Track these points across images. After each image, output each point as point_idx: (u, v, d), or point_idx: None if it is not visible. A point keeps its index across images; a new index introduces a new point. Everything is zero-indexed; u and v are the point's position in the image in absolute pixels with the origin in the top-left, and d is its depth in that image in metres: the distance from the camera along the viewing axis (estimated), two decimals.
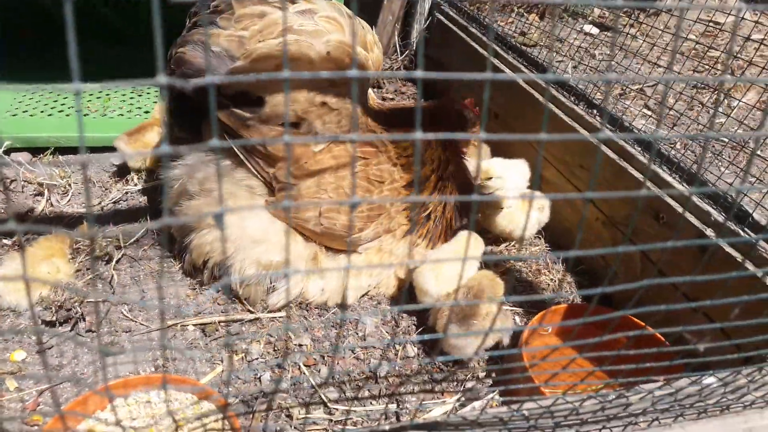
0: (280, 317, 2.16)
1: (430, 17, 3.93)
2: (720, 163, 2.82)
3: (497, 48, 3.14)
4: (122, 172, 2.88)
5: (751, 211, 1.87)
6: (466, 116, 2.45)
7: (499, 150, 2.91)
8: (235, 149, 2.08)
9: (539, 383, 1.73)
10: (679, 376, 1.39)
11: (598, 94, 2.63)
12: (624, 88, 3.53)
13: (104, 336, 2.04)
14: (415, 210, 2.31)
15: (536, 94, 2.74)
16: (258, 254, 2.08)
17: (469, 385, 1.96)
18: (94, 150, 2.96)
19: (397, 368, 2.00)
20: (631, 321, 1.96)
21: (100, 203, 2.69)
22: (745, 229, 1.86)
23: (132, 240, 2.44)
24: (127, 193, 2.77)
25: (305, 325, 2.13)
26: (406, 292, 2.28)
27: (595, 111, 2.54)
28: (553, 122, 2.60)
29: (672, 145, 2.98)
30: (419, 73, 0.73)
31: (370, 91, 2.48)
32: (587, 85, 2.64)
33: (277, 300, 2.15)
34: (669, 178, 2.11)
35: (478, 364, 2.04)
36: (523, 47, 3.16)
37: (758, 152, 2.94)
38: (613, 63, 3.23)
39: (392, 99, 3.77)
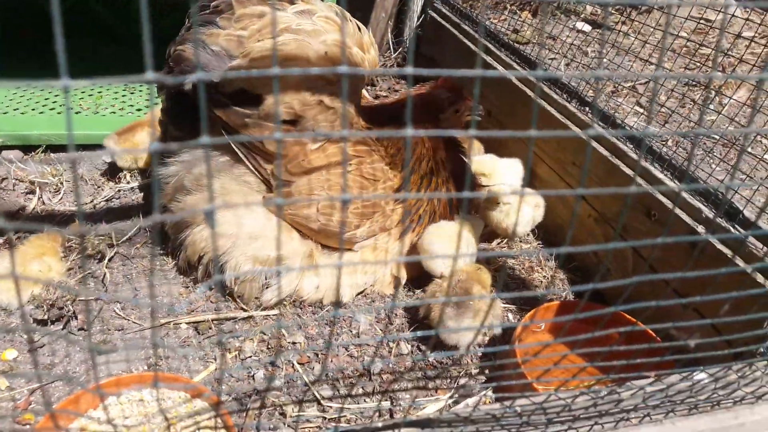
0: (273, 315, 2.16)
1: (423, 14, 3.93)
2: (711, 161, 2.83)
3: (490, 45, 3.15)
4: (114, 170, 2.87)
5: (741, 208, 1.88)
6: (441, 97, 2.42)
7: (492, 148, 2.91)
8: (234, 146, 2.08)
9: (532, 380, 1.74)
10: (670, 372, 1.40)
11: (591, 91, 2.64)
12: (616, 85, 3.54)
13: (96, 334, 2.03)
14: (410, 211, 2.31)
15: (529, 92, 2.75)
16: (254, 250, 2.08)
17: (462, 382, 1.97)
18: (86, 148, 2.94)
19: (390, 365, 2.01)
20: (622, 317, 1.97)
21: (92, 201, 2.68)
22: (736, 225, 1.87)
23: (124, 238, 2.43)
24: (119, 191, 2.76)
25: (299, 323, 2.13)
26: (406, 286, 2.28)
27: (587, 108, 2.55)
28: (545, 119, 2.60)
29: (663, 143, 3.00)
30: (410, 70, 0.73)
31: (363, 91, 2.48)
32: (579, 82, 2.65)
33: (270, 296, 2.15)
34: (660, 175, 2.12)
35: (471, 360, 2.05)
36: (516, 45, 3.16)
37: (749, 149, 2.96)
38: (604, 60, 3.23)
39: (386, 96, 3.77)
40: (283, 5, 2.08)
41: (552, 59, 3.75)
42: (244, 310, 2.16)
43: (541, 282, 2.41)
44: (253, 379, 1.92)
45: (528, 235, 2.65)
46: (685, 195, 2.01)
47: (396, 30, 4.09)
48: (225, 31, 2.01)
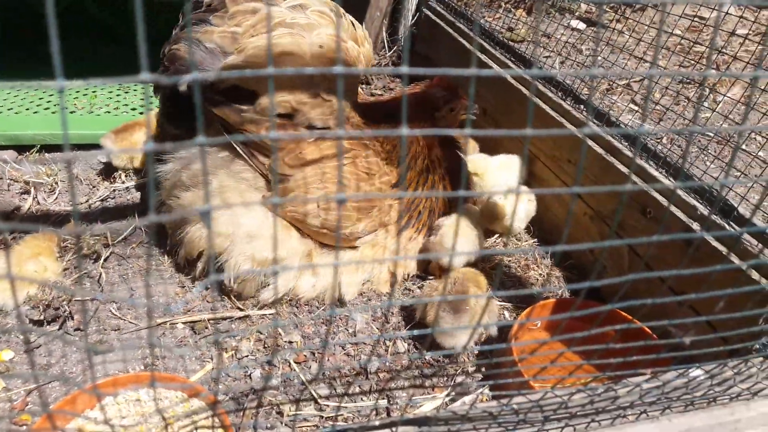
0: (269, 314, 2.16)
1: (417, 13, 3.93)
2: (706, 158, 2.84)
3: (485, 44, 3.15)
4: (110, 170, 2.86)
5: (736, 205, 1.89)
6: (436, 95, 2.42)
7: (488, 146, 2.91)
8: (232, 141, 2.07)
9: (528, 377, 1.74)
10: (667, 369, 1.41)
11: (585, 89, 2.64)
12: (611, 83, 3.55)
13: (93, 334, 2.03)
14: (408, 207, 2.31)
15: (524, 90, 2.75)
16: (253, 249, 2.07)
17: (458, 380, 1.97)
18: (80, 147, 2.94)
19: (387, 364, 2.01)
20: (619, 315, 1.98)
21: (87, 201, 2.67)
22: (731, 222, 1.87)
23: (120, 238, 2.42)
24: (114, 191, 2.76)
25: (295, 322, 2.13)
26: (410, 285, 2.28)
27: (582, 106, 2.55)
28: (541, 118, 2.61)
29: (658, 140, 3.00)
30: (405, 69, 0.73)
31: (359, 88, 2.48)
32: (574, 80, 2.65)
33: (268, 296, 2.15)
34: (655, 173, 2.13)
35: (468, 359, 2.05)
36: (511, 43, 3.17)
37: (743, 146, 2.97)
38: (598, 58, 3.24)
39: (381, 95, 3.77)
40: (276, 1, 2.08)
41: (546, 57, 3.76)
42: (241, 310, 2.16)
43: (537, 280, 2.41)
44: (250, 378, 1.92)
45: (524, 233, 2.66)
46: (680, 192, 2.02)
47: (391, 28, 4.08)
48: (219, 29, 2.01)
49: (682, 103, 3.40)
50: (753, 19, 2.50)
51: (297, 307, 2.20)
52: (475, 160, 2.72)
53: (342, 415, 1.82)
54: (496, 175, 2.66)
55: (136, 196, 2.75)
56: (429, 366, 2.02)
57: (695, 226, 1.93)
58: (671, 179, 2.11)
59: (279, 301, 2.16)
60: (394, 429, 1.27)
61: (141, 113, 3.20)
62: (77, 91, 3.35)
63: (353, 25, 2.22)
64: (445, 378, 1.98)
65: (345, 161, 2.15)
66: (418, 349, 2.08)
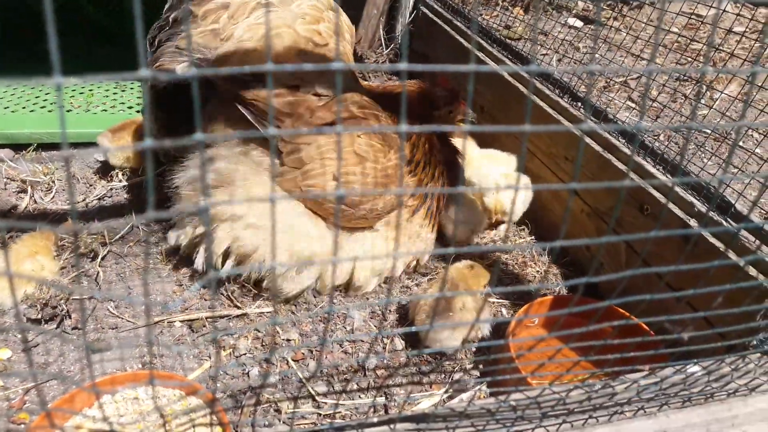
0: (267, 312, 2.16)
1: (414, 11, 3.92)
2: (703, 155, 2.84)
3: (482, 42, 3.15)
4: (106, 168, 2.85)
5: (733, 202, 1.90)
6: (438, 94, 2.42)
7: (486, 143, 2.92)
8: (244, 112, 2.03)
9: (526, 374, 1.74)
10: (664, 366, 1.41)
11: (583, 86, 2.65)
12: (608, 80, 3.55)
13: (90, 333, 2.03)
14: (418, 187, 2.30)
15: (521, 87, 2.75)
16: (288, 245, 2.05)
17: (456, 377, 1.97)
18: (77, 146, 2.93)
19: (385, 361, 2.01)
20: (616, 311, 1.98)
21: (84, 200, 2.67)
22: (728, 219, 1.88)
23: (117, 237, 2.42)
24: (111, 189, 2.75)
25: (293, 320, 2.13)
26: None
27: (579, 103, 2.56)
28: (538, 115, 2.61)
29: (656, 137, 3.01)
30: (403, 66, 0.73)
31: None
32: (571, 77, 2.66)
33: (293, 288, 2.13)
34: (653, 170, 2.13)
35: (465, 356, 2.05)
36: (508, 41, 3.17)
37: (740, 143, 2.97)
38: (596, 55, 3.24)
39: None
40: None
41: (544, 55, 3.76)
42: (238, 308, 2.16)
43: (535, 277, 2.41)
44: (248, 376, 1.92)
45: (521, 230, 2.66)
46: (677, 189, 2.02)
47: (388, 26, 4.08)
48: (197, 30, 2.01)
49: (679, 100, 3.40)
50: (750, 17, 2.50)
51: (295, 305, 2.20)
52: (473, 155, 2.73)
53: (340, 412, 1.82)
54: (478, 164, 2.67)
55: (133, 194, 2.75)
56: (426, 363, 2.02)
57: (692, 222, 1.93)
58: (668, 176, 2.11)
59: (302, 293, 2.14)
60: (392, 426, 1.27)
61: (138, 111, 3.19)
62: (73, 90, 3.34)
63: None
64: (443, 375, 1.98)
65: (357, 133, 2.12)
66: (415, 346, 2.09)
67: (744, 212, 1.86)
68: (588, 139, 2.36)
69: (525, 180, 2.61)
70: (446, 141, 2.48)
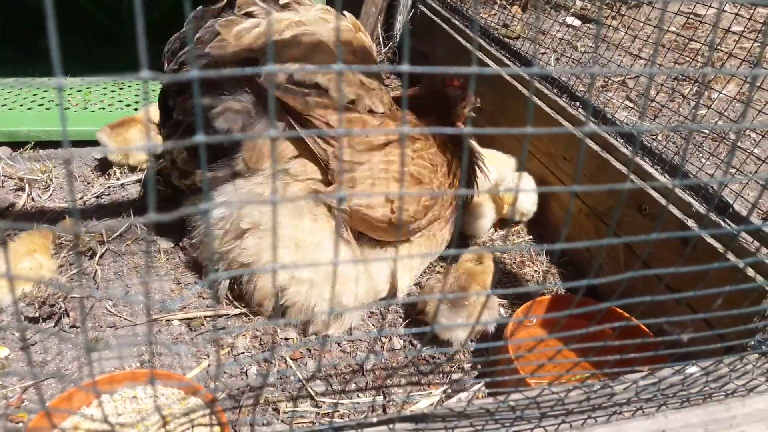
0: (266, 311, 2.16)
1: (413, 9, 3.92)
2: (701, 155, 2.85)
3: (481, 41, 3.15)
4: (104, 166, 2.85)
5: (731, 202, 1.90)
6: (452, 95, 2.44)
7: (485, 144, 2.92)
8: (294, 125, 1.97)
9: (525, 375, 1.75)
10: (663, 366, 1.41)
11: (581, 86, 2.65)
12: (606, 80, 3.55)
13: (88, 331, 2.03)
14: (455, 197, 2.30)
15: (520, 87, 2.75)
16: (327, 291, 2.04)
17: (455, 377, 1.97)
18: (75, 144, 2.93)
19: (383, 361, 2.01)
20: (616, 312, 1.98)
21: (82, 198, 2.66)
22: (726, 219, 1.88)
23: (115, 235, 2.42)
24: (109, 187, 2.75)
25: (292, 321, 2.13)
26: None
27: (577, 103, 2.56)
28: (536, 114, 2.61)
29: (654, 137, 3.01)
30: (405, 68, 0.73)
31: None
32: (569, 77, 2.66)
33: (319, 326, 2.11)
34: (651, 170, 2.13)
35: (464, 355, 2.05)
36: (506, 39, 3.17)
37: (738, 143, 2.98)
38: (594, 55, 3.24)
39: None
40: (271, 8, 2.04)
41: (542, 54, 3.76)
42: (236, 307, 2.15)
43: (533, 276, 2.41)
44: (246, 375, 1.92)
45: (520, 229, 2.66)
46: (675, 189, 2.02)
47: (386, 25, 4.08)
48: (232, 51, 1.97)
49: (677, 100, 3.41)
50: (748, 17, 2.50)
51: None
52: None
53: (338, 411, 1.82)
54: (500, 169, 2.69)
55: (131, 192, 2.75)
56: (425, 362, 2.03)
57: (690, 222, 1.93)
58: (667, 176, 2.11)
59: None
60: (391, 426, 1.27)
61: (136, 110, 3.19)
62: (71, 88, 3.33)
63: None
64: (442, 375, 1.98)
65: (413, 154, 2.11)
66: (413, 345, 2.09)
67: (742, 213, 1.86)
68: (587, 139, 2.36)
69: (531, 181, 2.61)
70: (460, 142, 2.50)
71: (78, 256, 2.30)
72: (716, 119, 3.08)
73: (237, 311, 2.14)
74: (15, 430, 1.66)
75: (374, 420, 1.27)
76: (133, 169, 2.85)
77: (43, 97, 3.17)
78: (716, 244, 1.83)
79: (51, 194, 2.67)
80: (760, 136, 3.04)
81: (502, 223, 2.66)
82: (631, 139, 2.27)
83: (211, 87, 1.97)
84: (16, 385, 1.81)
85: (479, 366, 2.02)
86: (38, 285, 2.03)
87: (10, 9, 3.78)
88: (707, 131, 3.01)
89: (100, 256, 2.32)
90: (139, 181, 2.80)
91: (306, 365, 1.97)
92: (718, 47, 2.74)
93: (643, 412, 1.35)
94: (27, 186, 2.67)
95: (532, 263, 2.47)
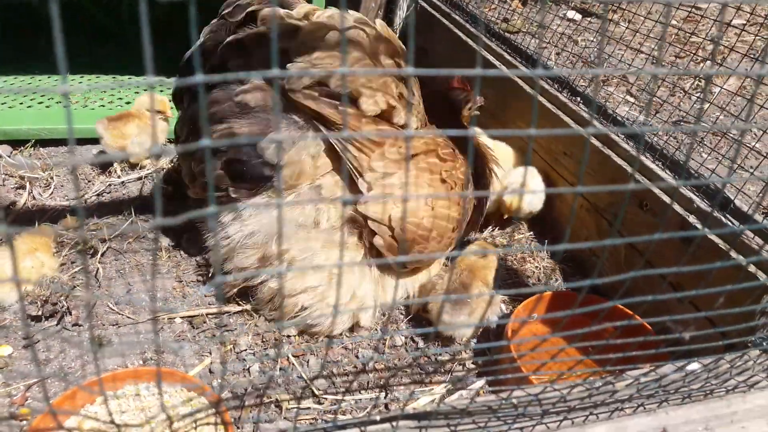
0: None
1: (413, 4, 3.91)
2: (702, 149, 2.85)
3: (481, 35, 3.14)
4: (105, 164, 2.85)
5: (732, 198, 1.90)
6: (456, 98, 2.44)
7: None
8: (332, 141, 1.92)
9: (527, 372, 1.75)
10: (664, 363, 1.42)
11: (582, 81, 2.64)
12: (607, 74, 3.55)
13: (90, 330, 2.03)
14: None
15: (521, 83, 2.75)
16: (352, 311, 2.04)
17: (457, 374, 1.98)
18: (76, 141, 2.93)
19: (385, 357, 2.02)
20: (618, 310, 1.98)
21: (83, 196, 2.66)
22: (727, 215, 1.88)
23: (116, 233, 2.42)
24: (110, 185, 2.75)
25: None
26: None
27: (578, 99, 2.55)
28: (537, 110, 2.61)
29: (654, 133, 3.01)
30: (411, 70, 0.73)
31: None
32: (569, 70, 2.65)
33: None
34: (652, 165, 2.13)
35: (466, 353, 2.06)
36: (507, 34, 3.16)
37: (738, 137, 2.98)
38: (595, 49, 3.24)
39: None
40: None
41: (542, 48, 3.75)
42: (239, 304, 2.16)
43: (534, 273, 2.42)
44: (249, 372, 1.93)
45: (521, 225, 2.67)
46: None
47: (386, 20, 4.07)
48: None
49: (678, 94, 3.40)
50: (750, 11, 2.50)
51: None
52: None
53: (341, 408, 1.83)
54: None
55: (132, 190, 2.75)
56: (427, 359, 2.03)
57: (692, 219, 1.93)
58: (668, 171, 2.11)
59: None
60: (394, 424, 1.28)
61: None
62: (71, 85, 3.33)
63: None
64: (444, 373, 1.99)
65: (444, 174, 2.08)
66: (415, 342, 2.09)
67: (743, 208, 1.86)
68: (591, 137, 2.36)
69: (538, 177, 2.60)
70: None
71: (83, 255, 2.30)
72: (717, 114, 3.08)
73: (239, 308, 2.14)
74: (19, 428, 1.67)
75: (378, 418, 1.28)
76: (133, 166, 2.85)
77: (43, 95, 3.17)
78: (718, 240, 1.83)
79: (52, 192, 2.67)
80: (762, 131, 3.04)
81: (506, 221, 2.66)
82: (633, 136, 2.27)
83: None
84: (20, 382, 1.82)
85: (480, 362, 2.02)
86: (40, 283, 2.03)
87: (10, 8, 3.77)
88: (708, 126, 3.01)
89: (102, 255, 2.32)
90: (140, 178, 2.80)
91: (308, 362, 1.97)
92: (719, 42, 2.73)
93: (645, 408, 1.35)
94: (28, 184, 2.67)
95: (534, 259, 2.47)
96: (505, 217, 2.63)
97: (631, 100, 3.36)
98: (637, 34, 2.63)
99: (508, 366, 1.85)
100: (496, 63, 2.96)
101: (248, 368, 1.94)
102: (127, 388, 1.74)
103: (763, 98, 3.25)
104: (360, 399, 1.87)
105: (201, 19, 0.64)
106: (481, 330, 2.12)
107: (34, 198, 2.63)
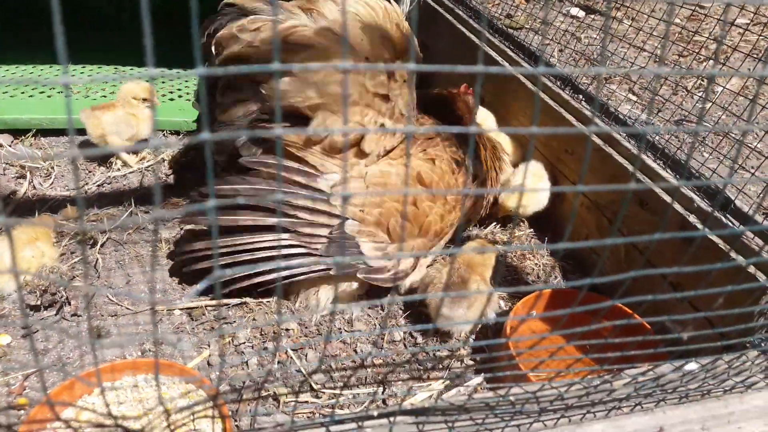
0: (266, 301, 2.16)
1: None
2: (703, 149, 2.84)
3: (484, 31, 3.13)
4: (106, 155, 2.85)
5: (733, 198, 1.90)
6: (464, 105, 2.47)
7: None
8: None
9: (525, 370, 1.75)
10: (662, 363, 1.42)
11: (584, 78, 2.64)
12: (610, 74, 3.54)
13: (89, 320, 2.03)
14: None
15: (523, 79, 2.74)
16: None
17: (455, 370, 1.98)
18: (77, 132, 2.92)
19: (383, 352, 2.02)
20: (617, 309, 1.98)
21: (83, 186, 2.66)
22: (728, 215, 1.88)
23: (116, 224, 2.42)
24: (110, 176, 2.75)
25: (292, 309, 2.13)
26: None
27: (581, 96, 2.55)
28: (540, 107, 2.60)
29: (656, 131, 3.00)
30: (413, 66, 0.73)
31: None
32: (572, 69, 2.65)
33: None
34: (653, 164, 2.13)
35: (464, 349, 2.06)
36: (510, 30, 3.15)
37: (739, 137, 2.97)
38: (597, 46, 3.23)
39: None
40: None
41: (545, 45, 3.74)
42: (237, 297, 2.16)
43: (533, 270, 2.42)
44: (247, 365, 1.93)
45: (521, 222, 2.66)
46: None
47: None
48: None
49: (681, 93, 3.39)
50: (754, 11, 2.49)
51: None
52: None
53: (339, 403, 1.83)
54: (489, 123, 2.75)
55: (132, 181, 2.75)
56: (425, 354, 2.03)
57: (692, 218, 1.93)
58: (668, 170, 2.11)
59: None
60: (391, 419, 1.28)
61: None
62: (72, 75, 3.32)
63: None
64: (442, 369, 1.99)
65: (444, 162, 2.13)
66: (413, 337, 2.09)
67: (744, 209, 1.86)
68: (592, 135, 2.36)
69: (543, 173, 2.60)
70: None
71: (83, 245, 2.30)
72: (720, 113, 3.07)
73: (238, 301, 2.14)
74: (16, 418, 1.67)
75: (375, 414, 1.28)
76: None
77: (44, 85, 3.16)
78: (718, 241, 1.83)
79: (52, 182, 2.67)
80: (764, 132, 3.03)
81: (507, 218, 2.66)
82: (635, 135, 2.27)
83: None
84: (18, 372, 1.82)
85: (478, 358, 2.03)
86: (39, 273, 2.03)
87: (10, 9, 3.76)
88: (710, 125, 3.01)
89: (102, 245, 2.32)
90: (140, 170, 2.80)
91: (306, 356, 1.98)
92: (722, 41, 2.73)
93: (642, 407, 1.36)
94: (28, 174, 2.67)
95: (533, 257, 2.47)
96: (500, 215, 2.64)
97: (634, 98, 3.35)
98: (641, 32, 2.62)
99: (506, 363, 1.85)
100: (499, 59, 2.95)
101: (246, 361, 1.94)
102: (126, 379, 1.74)
103: (765, 99, 3.25)
104: (358, 394, 1.87)
105: (200, 9, 0.64)
106: (479, 327, 2.12)
107: (34, 188, 2.63)
